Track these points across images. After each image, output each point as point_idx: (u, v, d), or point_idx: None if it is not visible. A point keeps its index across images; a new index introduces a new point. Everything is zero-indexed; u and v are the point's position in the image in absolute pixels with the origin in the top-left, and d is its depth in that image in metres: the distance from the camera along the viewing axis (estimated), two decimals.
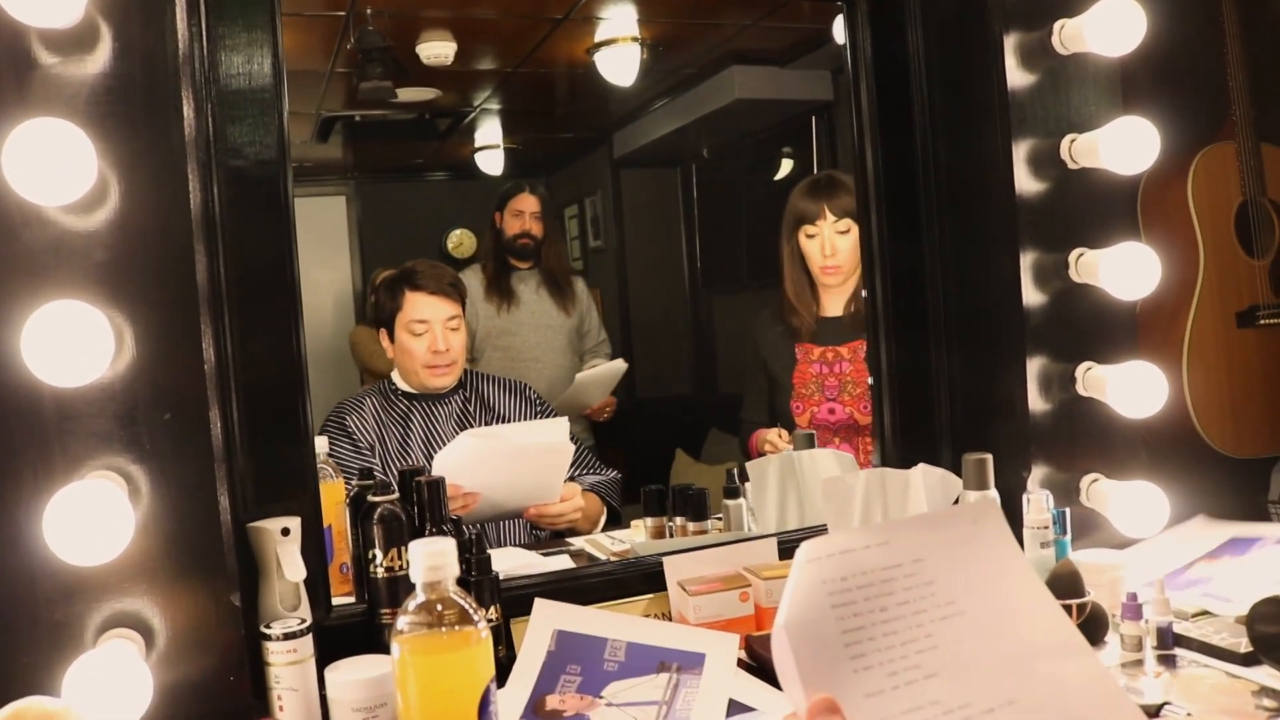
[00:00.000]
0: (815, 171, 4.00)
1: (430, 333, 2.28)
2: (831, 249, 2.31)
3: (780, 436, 2.29)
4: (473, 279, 3.31)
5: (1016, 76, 1.69)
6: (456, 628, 1.00)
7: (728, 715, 1.30)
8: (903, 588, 0.83)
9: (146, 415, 1.24)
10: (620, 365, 3.10)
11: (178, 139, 1.25)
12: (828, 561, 0.81)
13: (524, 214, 3.31)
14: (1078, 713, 0.82)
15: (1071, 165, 1.68)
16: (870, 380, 1.91)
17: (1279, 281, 2.20)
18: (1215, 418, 2.10)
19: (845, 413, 2.30)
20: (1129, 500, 1.60)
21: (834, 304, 2.38)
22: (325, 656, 1.32)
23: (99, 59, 1.20)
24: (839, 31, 1.90)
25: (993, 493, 1.53)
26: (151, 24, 1.23)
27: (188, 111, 1.28)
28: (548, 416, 2.41)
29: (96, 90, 1.20)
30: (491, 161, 4.93)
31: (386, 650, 1.36)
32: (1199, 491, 1.69)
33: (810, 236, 2.33)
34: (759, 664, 1.43)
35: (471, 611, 1.01)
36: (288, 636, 1.28)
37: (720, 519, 1.96)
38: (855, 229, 2.28)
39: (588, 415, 3.14)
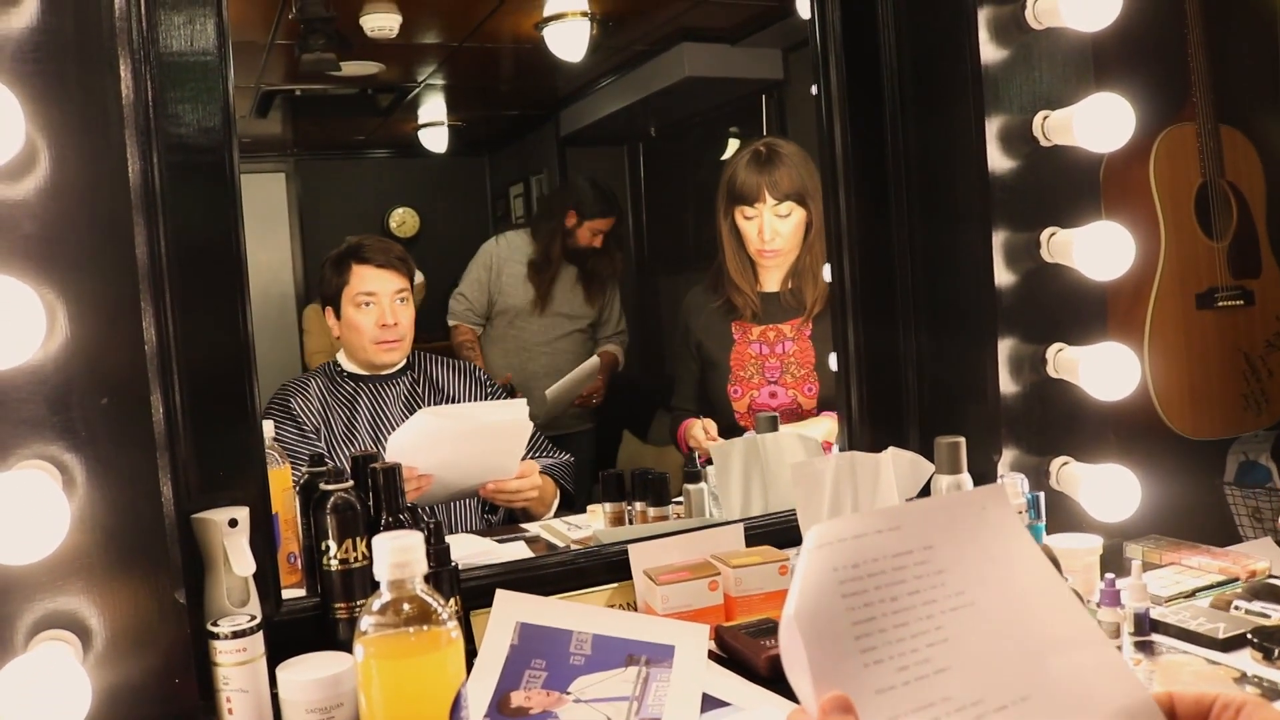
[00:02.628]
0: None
1: (378, 305, 2.20)
2: (772, 233, 2.16)
3: (706, 431, 2.14)
4: (519, 243, 3.35)
5: (989, 51, 1.65)
6: (425, 628, 0.93)
7: (701, 710, 1.25)
8: (914, 576, 0.79)
9: (82, 400, 1.15)
10: (593, 363, 3.15)
11: (114, 102, 1.16)
12: (839, 547, 0.76)
13: (601, 234, 3.36)
14: (1094, 706, 0.78)
15: (1044, 143, 1.64)
16: (835, 362, 1.86)
17: (1237, 263, 2.20)
18: (1175, 400, 2.10)
19: (788, 397, 2.16)
20: (1101, 484, 1.58)
21: (770, 280, 2.24)
22: (275, 654, 1.25)
23: (25, 11, 1.11)
24: (803, 5, 1.84)
25: (966, 477, 1.50)
26: None
27: (125, 73, 1.19)
28: (498, 398, 2.35)
29: (23, 45, 1.11)
30: (435, 139, 4.82)
31: (339, 646, 1.30)
32: (1157, 473, 1.68)
33: (748, 219, 2.17)
34: (730, 655, 1.38)
35: (441, 610, 0.94)
36: (237, 635, 1.20)
37: (680, 503, 1.91)
38: (797, 211, 2.17)
39: (578, 404, 3.17)
